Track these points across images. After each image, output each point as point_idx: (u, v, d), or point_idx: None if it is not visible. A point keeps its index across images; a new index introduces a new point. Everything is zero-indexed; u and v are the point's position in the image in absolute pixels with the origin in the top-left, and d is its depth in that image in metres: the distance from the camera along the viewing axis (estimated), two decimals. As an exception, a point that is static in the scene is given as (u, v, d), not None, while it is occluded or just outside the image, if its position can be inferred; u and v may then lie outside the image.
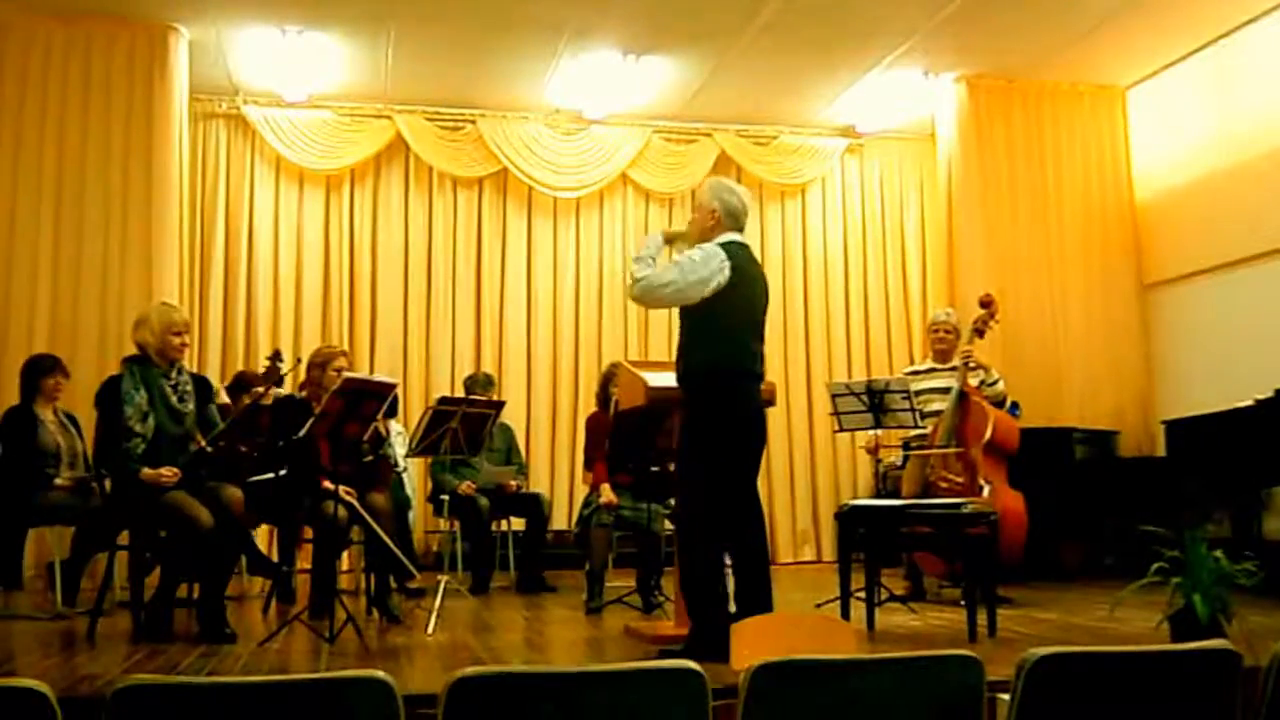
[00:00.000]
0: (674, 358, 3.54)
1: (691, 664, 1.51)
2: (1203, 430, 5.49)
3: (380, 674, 1.46)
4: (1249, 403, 5.14)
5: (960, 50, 6.43)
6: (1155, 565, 3.13)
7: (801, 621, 3.00)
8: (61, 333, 5.64)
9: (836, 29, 6.08)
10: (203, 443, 3.84)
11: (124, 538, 4.04)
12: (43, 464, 4.56)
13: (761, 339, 3.48)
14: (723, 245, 3.39)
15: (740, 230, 3.50)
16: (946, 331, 5.20)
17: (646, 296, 3.42)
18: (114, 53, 5.94)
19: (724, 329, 3.36)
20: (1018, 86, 6.96)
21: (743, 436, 3.38)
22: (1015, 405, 5.91)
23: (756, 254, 3.73)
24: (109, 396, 3.75)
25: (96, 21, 5.90)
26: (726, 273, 3.32)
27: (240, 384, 5.29)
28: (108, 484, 4.04)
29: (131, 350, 3.91)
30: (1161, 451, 6.04)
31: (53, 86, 5.85)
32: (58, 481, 4.54)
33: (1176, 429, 5.73)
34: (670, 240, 3.68)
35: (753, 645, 2.68)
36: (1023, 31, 6.23)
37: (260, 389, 4.03)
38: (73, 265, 5.75)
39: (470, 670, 1.44)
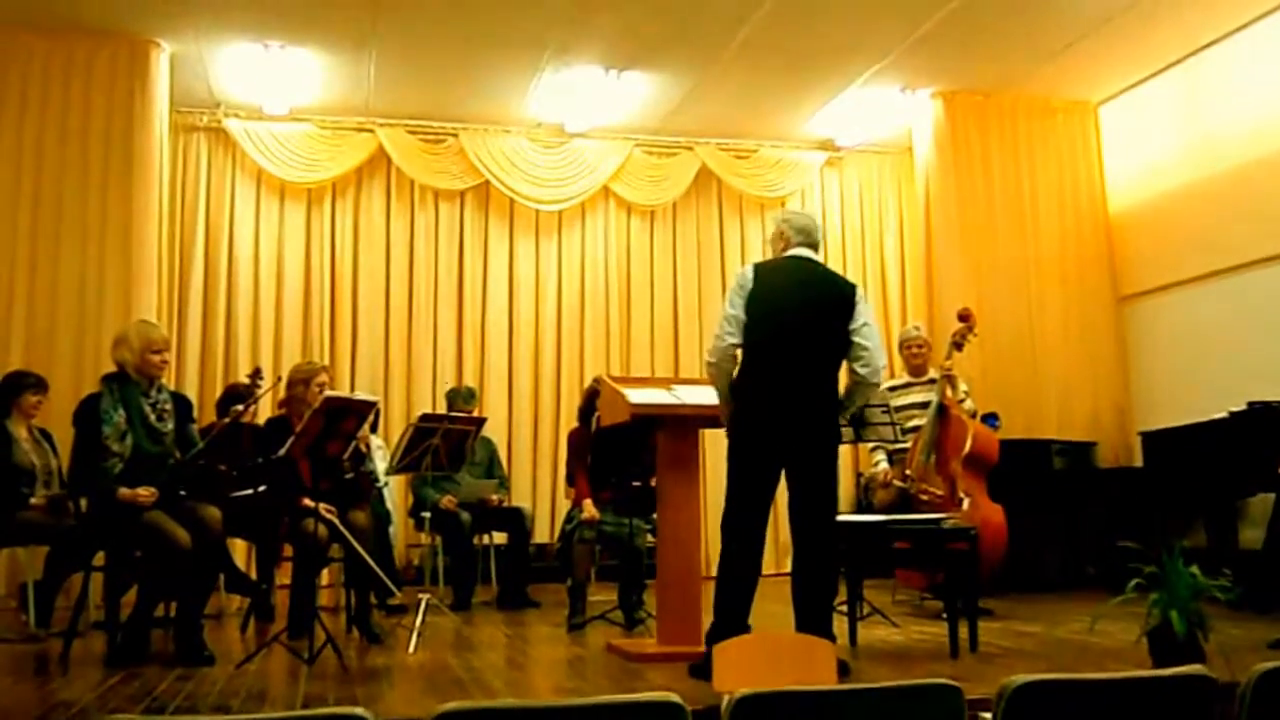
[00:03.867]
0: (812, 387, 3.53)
1: (674, 696, 1.52)
2: (1179, 442, 5.56)
3: (360, 710, 1.44)
4: (1223, 415, 5.21)
5: (937, 67, 6.50)
6: (1133, 581, 3.17)
7: (784, 641, 3.01)
8: (38, 348, 5.56)
9: (815, 46, 6.13)
10: (180, 458, 3.80)
11: (100, 558, 3.99)
12: (16, 482, 4.49)
13: (790, 351, 3.43)
14: (759, 262, 3.60)
15: (810, 246, 3.57)
16: (919, 346, 5.24)
17: (721, 355, 3.43)
18: (94, 67, 5.89)
19: (746, 342, 3.41)
20: (993, 102, 7.04)
21: (745, 448, 3.42)
22: (994, 417, 5.97)
23: (737, 268, 3.77)
24: (87, 415, 3.71)
25: (77, 36, 5.85)
26: (749, 284, 3.43)
27: (228, 398, 5.24)
28: (83, 503, 3.99)
29: (109, 366, 3.87)
30: (1139, 462, 6.11)
31: (32, 100, 5.79)
32: (32, 501, 4.48)
33: (1153, 440, 5.80)
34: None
35: (735, 666, 2.68)
36: (997, 49, 6.31)
37: (239, 407, 4.00)
38: (50, 279, 5.68)
39: (452, 705, 1.43)
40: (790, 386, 3.40)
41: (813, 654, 2.69)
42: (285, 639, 3.75)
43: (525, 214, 7.34)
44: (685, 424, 3.84)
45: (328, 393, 3.94)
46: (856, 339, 3.41)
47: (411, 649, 3.90)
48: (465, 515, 5.56)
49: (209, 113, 6.79)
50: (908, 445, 4.95)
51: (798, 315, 3.44)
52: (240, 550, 5.73)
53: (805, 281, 3.53)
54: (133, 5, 5.56)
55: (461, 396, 5.99)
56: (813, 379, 3.43)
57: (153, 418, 3.78)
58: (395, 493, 6.17)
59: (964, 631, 3.73)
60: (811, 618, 3.29)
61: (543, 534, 6.70)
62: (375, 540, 4.52)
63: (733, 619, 3.28)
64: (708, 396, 3.93)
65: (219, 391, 5.89)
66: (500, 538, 5.93)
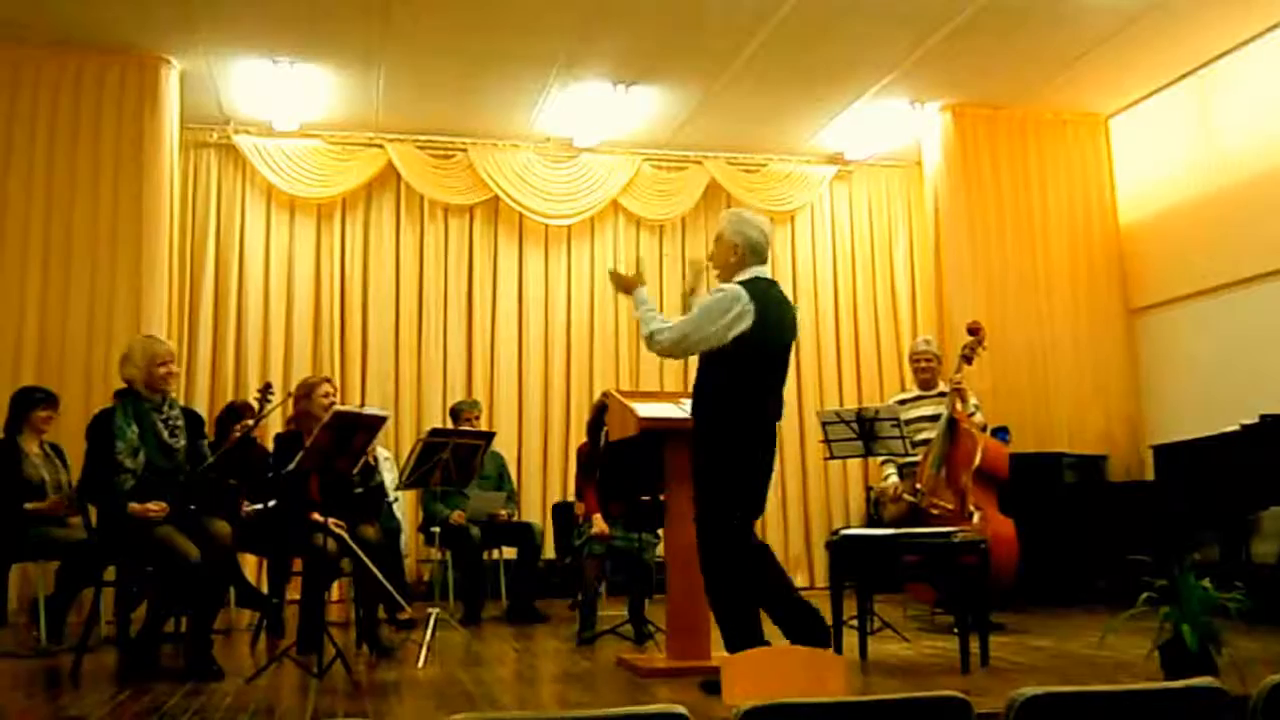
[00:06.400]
0: (691, 392, 3.47)
1: (681, 708, 1.51)
2: (1191, 455, 5.53)
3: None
4: (1235, 428, 5.18)
5: (945, 80, 6.52)
6: (1144, 595, 3.15)
7: (793, 655, 2.99)
8: (49, 364, 5.60)
9: (823, 60, 6.16)
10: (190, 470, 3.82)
11: (111, 573, 4.00)
12: (27, 497, 4.51)
13: (784, 375, 3.46)
14: (745, 283, 3.34)
15: (764, 263, 3.47)
16: (928, 360, 5.23)
17: (674, 349, 3.38)
18: (105, 84, 5.96)
19: (745, 375, 3.30)
20: (1002, 115, 7.05)
21: (755, 481, 3.36)
22: (1005, 431, 5.95)
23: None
24: (101, 430, 3.73)
25: (88, 53, 5.92)
26: (749, 319, 3.27)
27: (230, 414, 5.26)
28: (94, 517, 4.01)
29: (119, 382, 3.89)
30: (1150, 475, 6.07)
31: (42, 117, 5.85)
32: (28, 506, 4.49)
33: (1165, 454, 5.76)
34: (692, 290, 3.66)
35: (744, 679, 2.67)
36: (1006, 62, 6.32)
37: (249, 422, 4.02)
38: (61, 295, 5.73)
39: (462, 717, 1.43)
40: None
41: (822, 668, 2.68)
42: (295, 653, 3.75)
43: (534, 228, 7.38)
44: (694, 438, 3.82)
45: (337, 407, 3.95)
46: None
47: (421, 663, 3.90)
48: (475, 530, 5.56)
49: (219, 129, 6.85)
50: (917, 459, 4.93)
51: None
52: (251, 565, 5.74)
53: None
54: (143, 22, 5.62)
55: (466, 406, 6.01)
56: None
57: (165, 434, 3.80)
58: (405, 507, 6.17)
59: (975, 646, 3.70)
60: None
61: (552, 549, 6.68)
62: (385, 554, 4.52)
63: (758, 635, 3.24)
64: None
65: (230, 406, 5.91)
66: (510, 552, 5.93)
